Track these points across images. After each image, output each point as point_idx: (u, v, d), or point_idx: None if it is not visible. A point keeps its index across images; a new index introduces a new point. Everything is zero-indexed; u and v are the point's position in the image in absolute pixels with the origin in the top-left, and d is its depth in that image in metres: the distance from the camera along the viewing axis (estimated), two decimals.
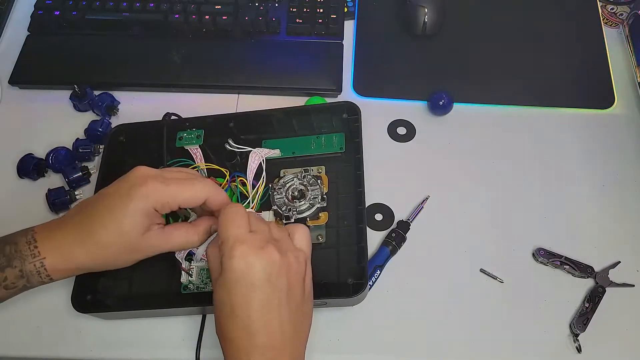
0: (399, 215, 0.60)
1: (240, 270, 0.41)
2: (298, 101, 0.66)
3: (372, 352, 0.53)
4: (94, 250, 0.44)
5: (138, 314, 0.54)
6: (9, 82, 0.69)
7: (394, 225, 0.58)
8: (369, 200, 0.60)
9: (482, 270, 0.56)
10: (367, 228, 0.58)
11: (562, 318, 0.54)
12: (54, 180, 0.63)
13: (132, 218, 0.44)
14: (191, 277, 0.52)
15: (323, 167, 0.58)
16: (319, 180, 0.56)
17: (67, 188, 0.61)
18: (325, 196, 0.55)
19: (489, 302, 0.55)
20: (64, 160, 0.62)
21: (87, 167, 0.62)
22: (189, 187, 0.46)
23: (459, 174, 0.62)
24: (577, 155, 0.64)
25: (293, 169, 0.58)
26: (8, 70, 0.69)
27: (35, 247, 0.44)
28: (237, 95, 0.68)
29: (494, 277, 0.56)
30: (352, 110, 0.59)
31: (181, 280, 0.52)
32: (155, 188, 0.44)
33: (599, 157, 0.64)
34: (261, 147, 0.59)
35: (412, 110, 0.67)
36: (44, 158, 0.63)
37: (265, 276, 0.41)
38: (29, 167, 0.61)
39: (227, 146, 0.58)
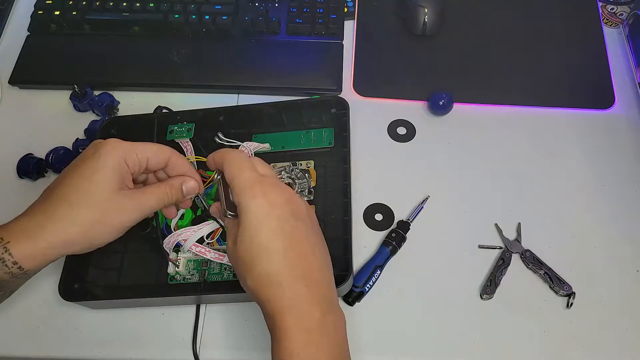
0: (399, 215, 0.60)
1: (265, 207, 0.42)
2: None
3: (372, 352, 0.53)
4: (67, 220, 0.43)
5: (125, 304, 0.54)
6: (9, 82, 0.69)
7: (394, 225, 0.58)
8: (369, 200, 0.60)
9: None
10: (367, 228, 0.59)
11: (562, 318, 0.54)
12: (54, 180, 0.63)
13: (102, 172, 0.44)
14: (178, 267, 0.53)
15: (312, 162, 0.59)
16: (306, 174, 0.56)
17: None
18: (312, 189, 0.55)
19: (489, 302, 0.55)
20: (64, 160, 0.62)
21: None
22: (152, 144, 0.48)
23: (459, 174, 0.62)
24: (577, 156, 0.64)
25: (282, 163, 0.58)
26: (8, 70, 0.69)
27: None
28: (237, 95, 0.69)
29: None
30: (341, 105, 0.60)
31: (168, 271, 0.53)
32: (120, 142, 0.46)
33: (599, 157, 0.64)
34: (251, 141, 0.60)
35: (412, 110, 0.67)
36: (44, 158, 0.63)
37: (289, 210, 0.42)
38: (29, 167, 0.61)
39: (217, 139, 0.59)
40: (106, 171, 0.44)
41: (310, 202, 0.55)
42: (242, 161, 0.44)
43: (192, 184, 0.49)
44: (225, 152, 0.46)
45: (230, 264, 0.52)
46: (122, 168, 0.45)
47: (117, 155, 0.45)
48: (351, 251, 0.51)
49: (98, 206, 0.44)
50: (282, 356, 0.39)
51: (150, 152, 0.47)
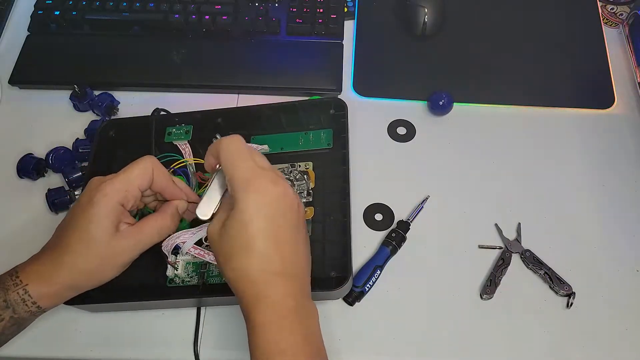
0: (399, 215, 0.60)
1: (256, 204, 0.42)
2: None
3: (372, 352, 0.53)
4: (74, 267, 0.45)
5: (125, 307, 0.54)
6: (9, 82, 0.69)
7: (394, 225, 0.58)
8: (369, 200, 0.60)
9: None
10: (367, 228, 0.59)
11: (562, 318, 0.54)
12: (54, 180, 0.63)
13: (97, 222, 0.45)
14: (177, 270, 0.52)
15: (310, 163, 0.59)
16: (305, 176, 0.56)
17: (67, 188, 0.61)
18: (311, 191, 0.55)
19: (489, 302, 0.55)
20: (63, 160, 0.62)
21: (86, 167, 0.62)
22: (134, 165, 0.47)
23: (459, 174, 0.62)
24: (577, 155, 0.64)
25: (281, 165, 0.58)
26: (8, 70, 0.69)
27: (17, 277, 0.45)
28: (237, 95, 0.69)
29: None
30: (340, 106, 0.60)
31: (167, 273, 0.53)
32: (110, 186, 0.46)
33: (599, 157, 0.64)
34: (250, 142, 0.59)
35: (412, 110, 0.67)
36: (44, 158, 0.63)
37: (279, 209, 0.42)
38: (29, 167, 0.61)
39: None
40: (100, 220, 0.45)
41: (309, 203, 0.55)
42: (240, 150, 0.44)
43: (182, 204, 0.50)
44: (222, 141, 0.45)
45: None
46: (117, 210, 0.46)
47: (110, 203, 0.45)
48: (350, 253, 0.51)
49: (97, 256, 0.46)
50: (257, 344, 0.41)
51: (139, 180, 0.47)
